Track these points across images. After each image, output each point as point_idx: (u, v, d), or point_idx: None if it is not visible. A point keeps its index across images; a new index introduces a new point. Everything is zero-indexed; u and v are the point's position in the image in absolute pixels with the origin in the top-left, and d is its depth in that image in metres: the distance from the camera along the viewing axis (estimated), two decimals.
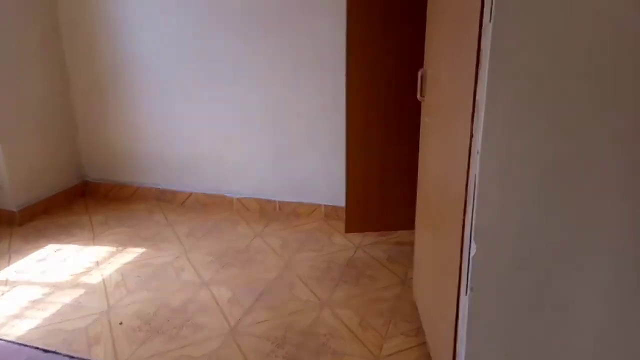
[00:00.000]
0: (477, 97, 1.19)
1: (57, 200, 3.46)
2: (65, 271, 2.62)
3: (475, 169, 1.22)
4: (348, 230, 2.84)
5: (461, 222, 1.33)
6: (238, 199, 3.43)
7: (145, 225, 3.20)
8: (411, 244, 2.88)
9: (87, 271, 2.62)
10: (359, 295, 2.35)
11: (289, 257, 2.75)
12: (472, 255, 1.11)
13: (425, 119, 1.89)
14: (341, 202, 3.18)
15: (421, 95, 1.93)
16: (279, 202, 3.35)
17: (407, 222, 2.90)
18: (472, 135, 1.22)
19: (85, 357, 1.95)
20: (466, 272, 1.20)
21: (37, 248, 2.89)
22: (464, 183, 1.30)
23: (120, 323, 2.17)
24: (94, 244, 2.94)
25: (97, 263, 2.71)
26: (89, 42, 3.39)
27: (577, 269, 1.10)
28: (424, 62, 1.94)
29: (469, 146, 1.25)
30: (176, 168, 3.51)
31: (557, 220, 1.08)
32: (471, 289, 1.14)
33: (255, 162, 3.33)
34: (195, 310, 2.26)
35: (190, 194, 3.53)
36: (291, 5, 2.95)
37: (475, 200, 1.21)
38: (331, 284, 2.45)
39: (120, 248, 2.88)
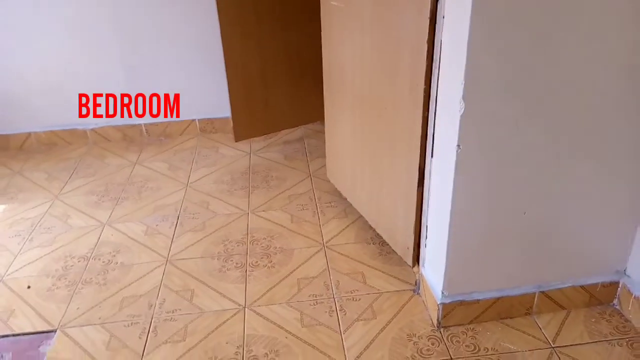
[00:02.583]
0: None
1: None
2: None
3: (440, 35, 1.30)
4: (238, 138, 2.75)
5: (422, 91, 1.43)
6: (93, 130, 3.00)
7: None
8: (299, 140, 2.94)
9: None
10: (276, 196, 2.37)
11: (185, 177, 2.58)
12: (461, 114, 1.22)
13: (332, 3, 1.87)
14: (217, 113, 3.04)
15: None
16: (145, 125, 3.03)
17: (290, 120, 2.94)
18: (437, 1, 1.28)
19: (7, 332, 1.63)
20: (446, 132, 1.32)
21: None
22: (424, 52, 1.38)
23: (29, 287, 1.84)
24: None
25: None
26: None
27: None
28: None
29: (429, 15, 1.32)
30: None
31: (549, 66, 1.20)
32: (459, 146, 1.26)
33: (106, 85, 2.90)
34: (111, 252, 2.02)
35: (29, 134, 2.96)
36: None
37: (443, 65, 1.31)
38: (244, 193, 2.41)
39: None
